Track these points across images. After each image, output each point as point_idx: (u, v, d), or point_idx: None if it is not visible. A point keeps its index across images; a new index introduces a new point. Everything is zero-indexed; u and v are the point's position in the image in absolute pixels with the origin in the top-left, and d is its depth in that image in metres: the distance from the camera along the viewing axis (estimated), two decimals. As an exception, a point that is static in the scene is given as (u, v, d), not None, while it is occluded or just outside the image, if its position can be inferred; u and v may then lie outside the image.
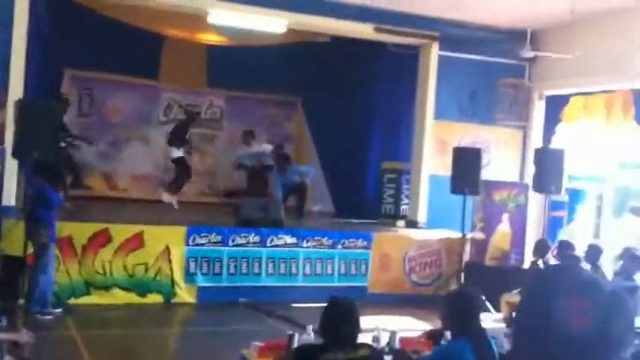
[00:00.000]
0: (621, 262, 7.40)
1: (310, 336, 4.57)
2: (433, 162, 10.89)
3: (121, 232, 8.30)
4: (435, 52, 10.83)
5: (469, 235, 9.62)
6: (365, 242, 9.40)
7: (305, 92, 13.38)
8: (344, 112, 12.34)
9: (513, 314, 6.59)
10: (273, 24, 9.97)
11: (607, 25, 9.69)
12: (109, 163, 12.81)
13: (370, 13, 10.15)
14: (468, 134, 11.12)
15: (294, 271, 9.01)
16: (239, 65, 11.88)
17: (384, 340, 4.73)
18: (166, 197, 11.11)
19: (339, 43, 11.34)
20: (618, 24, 9.52)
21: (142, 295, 8.30)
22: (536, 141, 11.32)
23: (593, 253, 7.71)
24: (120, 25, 10.70)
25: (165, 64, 12.80)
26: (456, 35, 10.69)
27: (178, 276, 8.46)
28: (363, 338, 4.07)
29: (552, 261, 7.88)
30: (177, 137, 11.28)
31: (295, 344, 4.53)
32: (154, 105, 13.27)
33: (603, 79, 9.87)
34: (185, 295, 8.50)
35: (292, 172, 11.26)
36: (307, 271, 9.07)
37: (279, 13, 9.75)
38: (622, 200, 10.88)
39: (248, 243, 8.83)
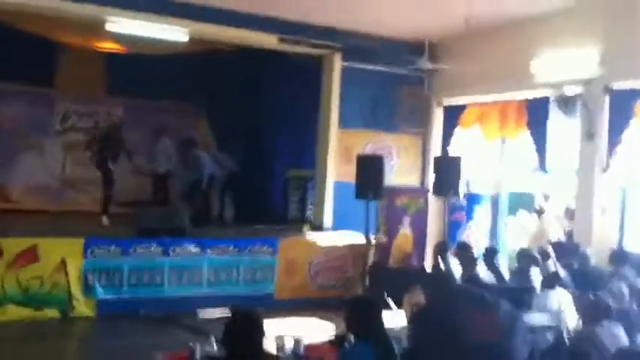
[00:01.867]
0: (517, 264, 7.72)
1: (213, 347, 4.51)
2: (338, 169, 11.02)
3: (13, 245, 7.93)
4: (337, 62, 10.98)
5: (373, 239, 9.79)
6: (270, 248, 9.38)
7: (209, 101, 13.20)
8: (249, 121, 12.32)
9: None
10: (175, 33, 9.75)
11: (501, 36, 10.11)
12: (1, 174, 12.19)
13: (274, 23, 10.16)
14: (370, 142, 11.34)
15: (197, 279, 8.86)
16: (140, 73, 11.57)
17: (288, 347, 4.73)
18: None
19: (244, 52, 11.29)
20: (512, 35, 9.95)
21: (38, 309, 7.95)
22: (435, 147, 11.68)
23: (490, 253, 8.02)
24: (9, 29, 10.19)
25: (60, 72, 12.33)
26: (357, 46, 10.88)
27: (76, 289, 8.15)
28: (267, 344, 4.05)
29: (452, 261, 8.15)
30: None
31: (197, 356, 4.46)
32: (49, 114, 12.74)
33: (498, 88, 10.29)
34: (83, 308, 8.20)
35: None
36: (212, 279, 8.94)
37: (180, 22, 9.57)
38: (515, 202, 11.42)
39: (150, 253, 8.61)
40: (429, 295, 5.00)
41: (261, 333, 3.66)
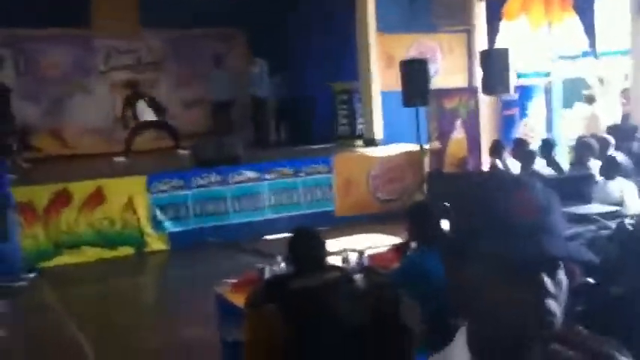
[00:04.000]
0: (575, 155, 7.61)
1: (281, 266, 4.68)
2: (382, 77, 10.87)
3: (81, 189, 8.22)
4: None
5: (427, 146, 9.73)
6: (326, 167, 9.48)
7: (248, 23, 13.02)
8: (286, 38, 12.14)
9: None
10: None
11: None
12: (55, 121, 12.49)
13: None
14: (412, 45, 11.08)
15: (259, 205, 9.08)
16: (173, 0, 11.50)
17: (353, 260, 4.86)
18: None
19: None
20: None
21: (113, 248, 8.31)
22: (480, 44, 11.33)
23: (547, 146, 7.91)
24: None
25: (95, 10, 12.26)
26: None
27: (146, 225, 8.47)
28: (333, 261, 4.19)
29: (509, 160, 8.08)
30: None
31: (266, 276, 4.64)
32: (91, 55, 12.85)
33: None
34: (156, 242, 8.54)
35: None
36: (273, 202, 9.15)
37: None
38: (570, 91, 11.10)
39: (210, 183, 8.84)
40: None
41: (323, 247, 3.79)
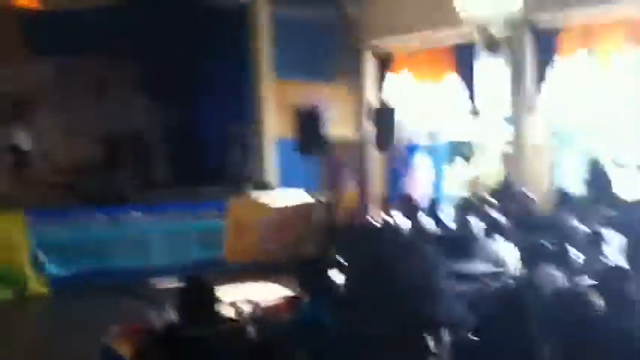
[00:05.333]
0: (457, 214, 7.96)
1: (170, 316, 4.57)
2: (278, 124, 10.95)
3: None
4: (267, 9, 10.78)
5: (318, 196, 9.82)
6: (218, 212, 9.35)
7: (140, 55, 12.69)
8: (183, 74, 12.00)
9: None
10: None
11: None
12: None
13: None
14: (306, 94, 11.27)
15: (147, 248, 8.82)
16: (63, 29, 11.11)
17: (246, 311, 4.83)
18: None
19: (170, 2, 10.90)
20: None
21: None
22: (370, 96, 11.71)
23: (432, 204, 8.26)
24: None
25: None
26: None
27: (25, 266, 8.02)
28: (225, 311, 4.15)
29: (397, 215, 8.34)
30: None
31: (156, 325, 4.51)
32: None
33: (428, 31, 10.31)
34: (36, 285, 8.09)
35: None
36: (162, 246, 8.92)
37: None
38: (455, 152, 11.69)
39: (96, 223, 8.52)
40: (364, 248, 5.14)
41: (214, 298, 3.75)
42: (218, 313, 3.86)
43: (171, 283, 7.76)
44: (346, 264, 8.31)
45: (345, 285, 4.24)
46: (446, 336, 1.19)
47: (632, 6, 7.99)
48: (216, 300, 3.84)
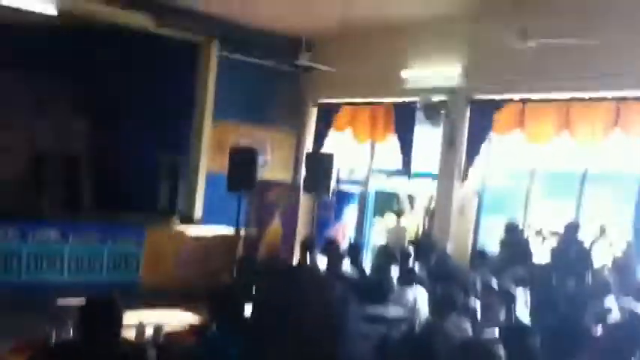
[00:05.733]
0: (377, 261, 8.05)
1: (69, 334, 4.41)
2: (211, 159, 10.97)
3: None
4: (213, 51, 10.91)
5: (243, 232, 9.81)
6: (136, 238, 9.18)
7: (78, 78, 12.54)
8: (119, 101, 11.86)
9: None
10: (43, 5, 9.19)
11: (375, 41, 10.52)
12: None
13: (150, 5, 9.92)
14: (244, 135, 11.36)
15: (57, 266, 8.52)
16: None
17: (148, 334, 4.70)
18: None
19: (116, 31, 10.82)
20: (385, 41, 10.37)
21: None
22: (308, 145, 11.92)
23: (354, 249, 8.30)
24: None
25: None
26: (235, 37, 10.84)
27: None
28: (127, 334, 4.01)
29: (319, 257, 8.35)
30: None
31: (52, 342, 4.34)
32: None
33: (370, 92, 10.69)
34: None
35: None
36: (73, 266, 8.63)
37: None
38: (382, 203, 11.89)
39: (7, 237, 8.18)
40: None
41: (118, 318, 3.62)
42: (118, 334, 3.72)
43: (78, 303, 7.50)
44: (258, 298, 8.25)
45: (255, 318, 4.21)
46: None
47: (567, 93, 8.41)
48: (118, 321, 3.70)
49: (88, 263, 8.77)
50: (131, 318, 4.00)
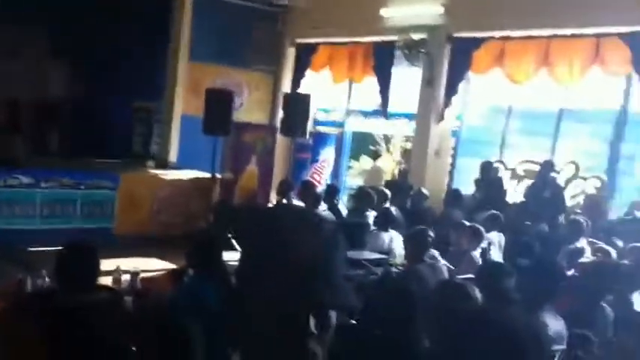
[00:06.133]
0: (354, 200, 8.08)
1: (45, 280, 4.37)
2: (186, 102, 10.80)
3: None
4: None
5: (219, 176, 9.72)
6: (111, 183, 9.03)
7: (51, 19, 12.15)
8: (91, 43, 11.56)
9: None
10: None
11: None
12: None
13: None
14: (221, 76, 11.19)
15: (30, 213, 8.40)
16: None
17: (125, 282, 4.68)
18: None
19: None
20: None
21: None
22: (286, 86, 11.77)
23: (331, 192, 8.31)
24: None
25: None
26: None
27: None
28: (103, 281, 3.97)
29: (295, 200, 8.35)
30: None
31: (28, 288, 4.30)
32: None
33: (349, 30, 10.50)
34: None
35: None
36: (45, 213, 8.51)
37: None
38: (359, 144, 11.87)
39: (-22, 183, 8.03)
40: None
41: (95, 266, 3.58)
42: (95, 281, 3.69)
43: (51, 250, 7.44)
44: (239, 241, 8.26)
45: (239, 261, 4.20)
46: (333, 318, 1.15)
47: (545, 30, 8.33)
48: (98, 269, 3.66)
49: (61, 209, 8.63)
50: (107, 264, 3.95)
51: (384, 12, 9.91)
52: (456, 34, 9.28)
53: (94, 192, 8.86)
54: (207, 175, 9.62)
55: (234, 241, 8.21)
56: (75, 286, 3.50)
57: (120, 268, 4.82)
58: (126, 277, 4.73)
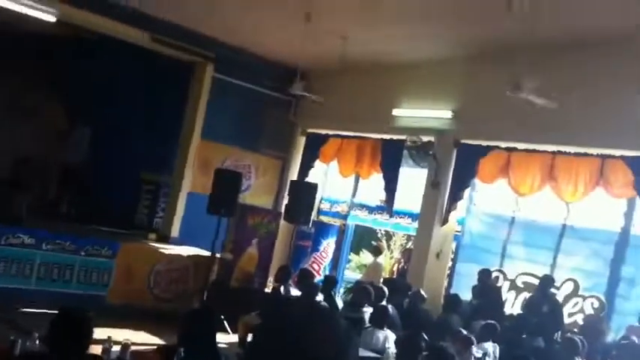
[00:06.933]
0: (351, 295, 8.03)
1: (35, 343, 4.31)
2: (194, 179, 10.92)
3: None
4: (209, 72, 10.93)
5: (218, 255, 9.69)
6: (110, 251, 9.01)
7: (68, 88, 12.50)
8: (107, 115, 11.86)
9: (249, 336, 6.83)
10: (43, 11, 9.11)
11: (370, 77, 10.61)
12: None
13: (149, 20, 9.91)
14: (231, 157, 11.36)
15: (27, 273, 8.34)
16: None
17: (114, 353, 4.62)
18: None
19: (112, 43, 10.81)
20: (381, 79, 10.47)
21: None
22: (294, 173, 11.92)
23: (329, 283, 8.27)
24: None
25: None
26: (231, 60, 10.87)
27: None
28: (93, 350, 3.94)
29: (292, 288, 8.30)
30: None
31: (17, 351, 4.24)
32: None
33: (360, 127, 10.76)
34: None
35: None
36: (42, 274, 8.45)
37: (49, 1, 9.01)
38: (361, 238, 11.89)
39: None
40: (265, 314, 5.10)
41: (86, 335, 3.56)
42: (86, 350, 3.65)
43: (45, 311, 7.35)
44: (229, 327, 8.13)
45: (243, 346, 4.14)
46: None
47: (549, 145, 8.52)
48: (87, 337, 3.64)
49: (58, 272, 8.58)
50: (98, 333, 3.92)
51: (396, 112, 10.18)
52: (463, 140, 9.47)
53: (92, 259, 8.83)
54: (207, 253, 9.60)
55: (225, 324, 8.17)
56: (66, 352, 3.48)
57: (111, 339, 4.77)
58: (116, 349, 4.67)
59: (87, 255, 8.78)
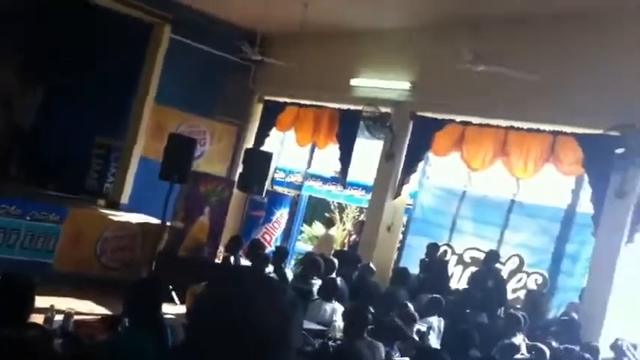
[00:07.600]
0: (300, 269, 8.06)
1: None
2: (146, 144, 10.73)
3: None
4: (167, 33, 10.69)
5: (169, 223, 9.54)
6: (58, 216, 8.80)
7: (27, 48, 12.03)
8: (61, 76, 11.50)
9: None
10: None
11: (333, 45, 10.52)
12: None
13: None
14: (185, 122, 11.19)
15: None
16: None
17: (57, 322, 4.55)
18: None
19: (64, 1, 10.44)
20: (342, 46, 10.39)
21: None
22: (249, 141, 11.80)
23: (280, 255, 8.28)
24: None
25: None
26: (190, 21, 10.62)
27: None
28: (35, 318, 3.87)
29: (242, 258, 8.28)
30: None
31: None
32: None
33: (318, 94, 10.68)
34: None
35: None
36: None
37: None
38: (314, 209, 11.91)
39: None
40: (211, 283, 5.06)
41: (29, 302, 3.50)
42: (26, 318, 3.59)
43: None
44: (178, 297, 8.10)
45: (188, 316, 4.10)
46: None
47: (502, 120, 8.60)
48: (29, 304, 3.58)
49: (2, 237, 8.35)
50: (41, 301, 3.86)
51: (354, 81, 10.14)
52: (419, 113, 9.48)
53: (39, 224, 8.61)
54: (157, 221, 9.44)
55: (173, 295, 8.10)
56: (4, 319, 3.42)
57: (54, 307, 4.70)
58: (58, 318, 4.60)
59: (33, 220, 8.54)
